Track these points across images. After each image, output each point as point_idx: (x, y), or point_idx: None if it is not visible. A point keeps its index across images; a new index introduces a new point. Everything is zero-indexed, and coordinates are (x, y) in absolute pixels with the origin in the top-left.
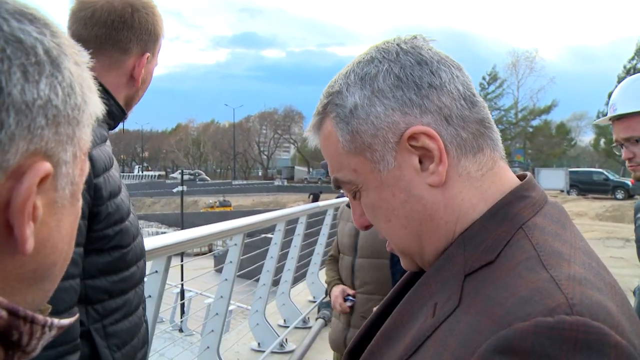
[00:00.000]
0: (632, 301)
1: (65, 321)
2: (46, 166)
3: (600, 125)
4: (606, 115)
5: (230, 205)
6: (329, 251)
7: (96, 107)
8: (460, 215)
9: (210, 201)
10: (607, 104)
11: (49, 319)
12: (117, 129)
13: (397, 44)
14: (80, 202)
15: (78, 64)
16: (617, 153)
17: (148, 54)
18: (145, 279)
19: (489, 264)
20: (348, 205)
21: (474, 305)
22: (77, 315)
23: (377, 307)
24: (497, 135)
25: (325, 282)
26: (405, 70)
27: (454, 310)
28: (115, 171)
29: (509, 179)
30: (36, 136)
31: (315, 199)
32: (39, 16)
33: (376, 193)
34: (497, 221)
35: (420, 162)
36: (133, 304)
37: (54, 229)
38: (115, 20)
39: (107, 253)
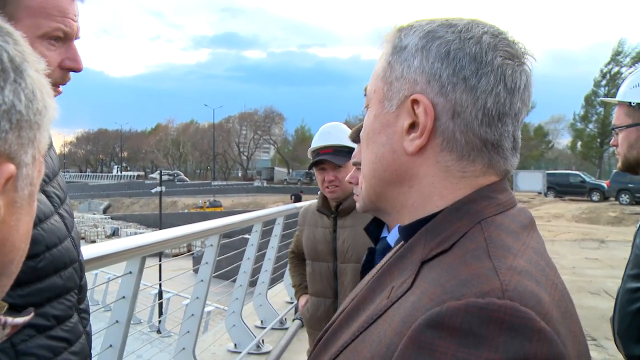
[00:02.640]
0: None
1: (19, 320)
2: (10, 168)
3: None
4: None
5: (220, 206)
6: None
7: (54, 111)
8: (427, 195)
9: (200, 202)
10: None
11: (3, 318)
12: None
13: (485, 32)
14: (36, 203)
15: (38, 71)
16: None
17: None
18: (119, 280)
19: (444, 252)
20: (320, 210)
21: (420, 287)
22: (32, 314)
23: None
24: (502, 160)
25: (293, 285)
26: (458, 53)
27: (405, 292)
28: None
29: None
30: (0, 139)
31: (297, 199)
32: (1, 25)
33: (372, 119)
34: (459, 215)
35: (411, 127)
36: (51, 316)
37: (13, 228)
38: None
39: None
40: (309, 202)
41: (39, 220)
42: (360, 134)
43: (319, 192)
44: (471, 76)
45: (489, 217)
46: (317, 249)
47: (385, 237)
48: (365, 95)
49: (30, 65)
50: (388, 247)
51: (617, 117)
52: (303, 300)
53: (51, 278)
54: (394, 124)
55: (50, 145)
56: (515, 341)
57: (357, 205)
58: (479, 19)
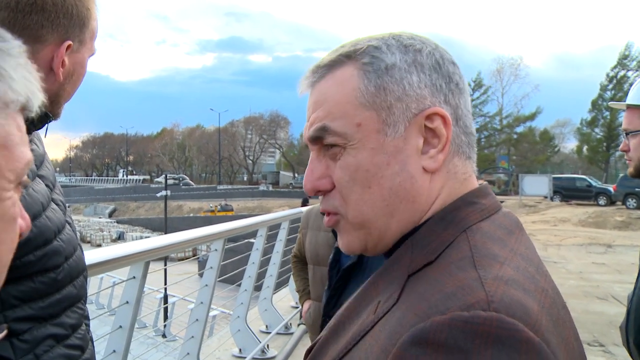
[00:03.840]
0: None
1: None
2: None
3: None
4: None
5: (232, 210)
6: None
7: (14, 94)
8: (433, 207)
9: (211, 205)
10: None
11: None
12: (44, 133)
13: (433, 43)
14: (4, 205)
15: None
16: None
17: (69, 42)
18: (123, 285)
19: (429, 264)
20: (323, 213)
21: (406, 301)
22: (5, 332)
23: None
24: (473, 151)
25: (297, 290)
26: (442, 60)
27: (392, 307)
28: (39, 184)
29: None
30: None
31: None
32: None
33: (370, 155)
34: (444, 225)
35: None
36: (68, 325)
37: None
38: (21, 2)
39: (29, 280)
40: (312, 205)
41: (59, 231)
42: (341, 179)
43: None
44: (460, 80)
45: (473, 224)
46: (319, 253)
47: None
48: (315, 139)
49: None
50: None
51: (630, 121)
52: (307, 305)
53: (67, 288)
54: (405, 148)
55: (44, 152)
56: (502, 354)
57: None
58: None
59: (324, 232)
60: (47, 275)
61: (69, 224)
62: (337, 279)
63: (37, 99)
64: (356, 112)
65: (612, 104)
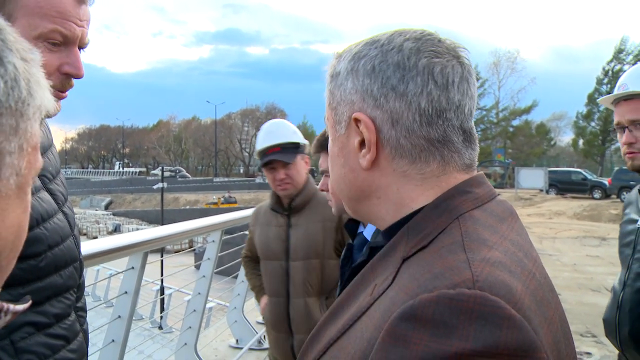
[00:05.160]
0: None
1: (20, 307)
2: None
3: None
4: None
5: (235, 202)
6: None
7: (45, 102)
8: (397, 202)
9: (214, 197)
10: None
11: (5, 304)
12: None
13: (407, 39)
14: (29, 197)
15: (26, 60)
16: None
17: None
18: (122, 276)
19: (423, 249)
20: (273, 209)
21: (399, 283)
22: (30, 302)
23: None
24: (456, 154)
25: (251, 288)
26: (382, 65)
27: (386, 289)
28: None
29: (459, 183)
30: None
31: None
32: None
33: (332, 144)
34: (438, 212)
35: (362, 144)
36: (52, 315)
37: None
38: None
39: None
40: (260, 204)
41: (43, 219)
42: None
43: (270, 192)
44: (398, 84)
45: (466, 212)
46: (270, 247)
47: (362, 232)
48: None
49: (15, 53)
50: (365, 242)
51: (634, 109)
52: (264, 301)
53: (51, 277)
54: (347, 145)
55: (51, 144)
56: (485, 329)
57: (333, 210)
58: (404, 29)
59: (274, 227)
60: (27, 262)
61: (65, 214)
62: (347, 276)
63: (52, 106)
64: (326, 109)
65: (602, 99)
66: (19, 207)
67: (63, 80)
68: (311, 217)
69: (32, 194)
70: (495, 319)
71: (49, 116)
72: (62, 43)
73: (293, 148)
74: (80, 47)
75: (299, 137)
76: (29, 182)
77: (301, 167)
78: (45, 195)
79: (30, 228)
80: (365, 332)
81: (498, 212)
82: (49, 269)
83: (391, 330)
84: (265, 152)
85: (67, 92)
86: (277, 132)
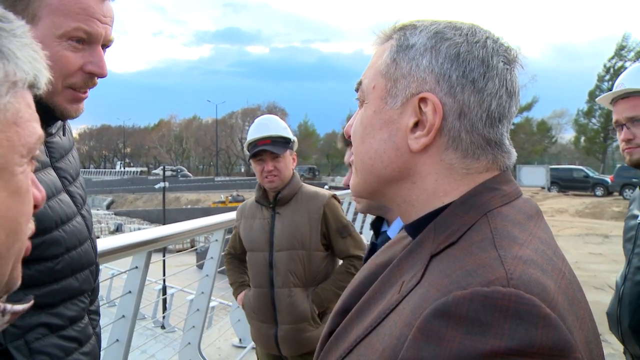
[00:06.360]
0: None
1: (19, 307)
2: None
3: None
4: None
5: (243, 201)
6: None
7: (21, 74)
8: (431, 192)
9: (222, 196)
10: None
11: (2, 304)
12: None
13: (488, 36)
14: (18, 179)
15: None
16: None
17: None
18: (124, 276)
19: (451, 245)
20: (259, 202)
21: (429, 279)
22: (31, 302)
23: (343, 296)
24: (509, 156)
25: (230, 283)
26: (467, 55)
27: (415, 286)
28: (48, 174)
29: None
30: None
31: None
32: None
33: (372, 115)
34: (466, 208)
35: (416, 125)
36: (66, 317)
37: None
38: None
39: (24, 266)
40: (246, 200)
41: (62, 222)
42: (352, 128)
43: (256, 185)
44: (479, 79)
45: (494, 208)
46: (254, 239)
47: (386, 231)
48: (357, 90)
49: None
50: (388, 240)
51: (634, 106)
52: (240, 296)
53: (67, 280)
54: (398, 121)
55: (72, 146)
56: (520, 328)
57: (358, 207)
58: (477, 24)
59: (259, 220)
60: (44, 264)
61: (84, 217)
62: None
63: (44, 77)
64: (376, 76)
65: (600, 98)
66: (2, 190)
67: (86, 79)
68: (297, 210)
69: (48, 198)
70: (530, 318)
71: (68, 117)
72: (85, 41)
73: (283, 142)
74: (105, 46)
75: (289, 133)
76: (11, 161)
77: (289, 161)
78: (65, 197)
79: (50, 230)
80: (394, 329)
81: (525, 209)
82: (66, 272)
83: (424, 327)
84: (255, 144)
85: (88, 92)
86: (269, 125)
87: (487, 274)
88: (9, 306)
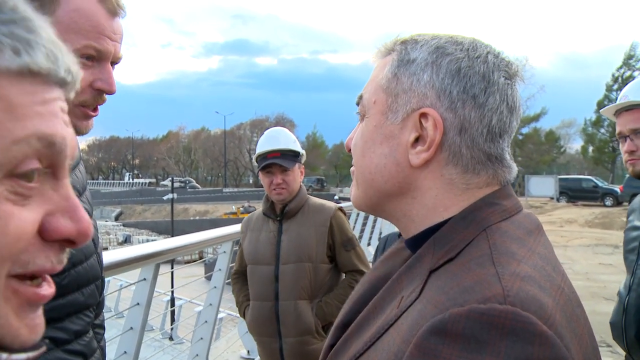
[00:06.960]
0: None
1: (16, 357)
2: None
3: (604, 115)
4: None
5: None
6: None
7: (5, 62)
8: (431, 207)
9: (233, 207)
10: (596, 111)
11: (4, 355)
12: None
13: (489, 51)
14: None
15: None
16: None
17: None
18: (134, 287)
19: (450, 261)
20: (266, 214)
21: (427, 295)
22: (43, 348)
23: (343, 310)
24: (510, 170)
25: (237, 304)
26: (468, 71)
27: (414, 301)
28: None
29: (485, 195)
30: None
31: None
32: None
33: (373, 130)
34: (465, 224)
35: (416, 140)
36: (72, 331)
37: None
38: None
39: None
40: (252, 212)
41: None
42: (353, 142)
43: (264, 197)
44: (480, 94)
45: (494, 224)
46: (260, 251)
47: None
48: (358, 104)
49: None
50: None
51: (636, 119)
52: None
53: (73, 294)
54: (399, 136)
55: (80, 161)
56: (517, 345)
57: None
58: (478, 38)
59: (265, 233)
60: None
61: None
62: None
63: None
64: (377, 91)
65: (604, 110)
66: None
67: (96, 96)
68: (303, 222)
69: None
70: (527, 335)
71: (78, 134)
72: (95, 58)
73: (292, 155)
74: (113, 63)
75: (298, 147)
76: (5, 159)
77: (297, 175)
78: None
79: None
80: (392, 346)
81: (525, 224)
82: (72, 287)
83: (420, 345)
84: (265, 156)
85: (98, 110)
86: (279, 138)
87: (484, 290)
88: (4, 355)
